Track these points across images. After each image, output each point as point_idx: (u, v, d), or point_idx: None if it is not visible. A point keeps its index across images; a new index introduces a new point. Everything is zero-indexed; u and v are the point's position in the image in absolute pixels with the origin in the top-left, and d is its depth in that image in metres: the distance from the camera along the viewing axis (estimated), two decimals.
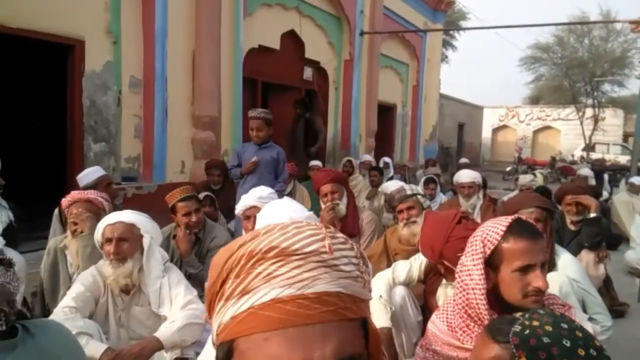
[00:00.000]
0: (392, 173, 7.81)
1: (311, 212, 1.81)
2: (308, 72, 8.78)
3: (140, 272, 2.24)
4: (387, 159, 8.26)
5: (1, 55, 5.33)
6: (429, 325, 1.77)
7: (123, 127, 5.48)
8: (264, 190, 3.04)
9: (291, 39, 8.18)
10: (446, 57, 22.05)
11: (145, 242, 2.25)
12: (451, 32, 21.25)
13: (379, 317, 2.18)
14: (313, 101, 8.87)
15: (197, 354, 2.20)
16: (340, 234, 0.61)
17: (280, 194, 3.66)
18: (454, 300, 1.69)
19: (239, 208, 3.04)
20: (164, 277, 2.26)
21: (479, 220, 3.94)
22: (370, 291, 0.61)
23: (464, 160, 10.27)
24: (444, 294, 2.25)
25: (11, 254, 2.24)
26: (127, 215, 2.27)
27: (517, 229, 1.52)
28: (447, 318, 1.70)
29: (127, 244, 2.21)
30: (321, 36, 9.04)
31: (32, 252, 3.82)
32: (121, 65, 5.39)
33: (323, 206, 3.38)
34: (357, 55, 9.83)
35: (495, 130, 31.11)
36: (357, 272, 0.59)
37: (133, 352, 2.01)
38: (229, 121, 6.89)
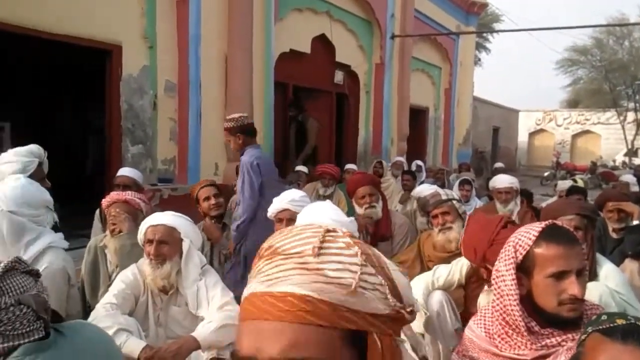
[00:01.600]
0: (424, 177, 7.70)
1: (352, 218, 1.76)
2: (339, 76, 8.78)
3: (178, 274, 2.26)
4: (419, 162, 8.15)
5: (47, 61, 5.53)
6: (466, 331, 1.73)
7: (159, 130, 5.60)
8: (295, 194, 3.04)
9: (322, 43, 8.20)
10: (479, 60, 21.70)
11: (185, 246, 2.27)
12: (484, 34, 20.90)
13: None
14: (302, 102, 8.08)
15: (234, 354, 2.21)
16: (344, 239, 0.61)
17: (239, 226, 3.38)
18: (492, 306, 1.65)
19: (271, 211, 3.05)
20: (201, 280, 2.28)
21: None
22: (391, 305, 0.60)
23: (499, 164, 10.04)
24: (486, 300, 2.18)
25: (48, 258, 2.30)
26: (169, 218, 2.30)
27: (550, 234, 1.48)
28: (485, 324, 1.66)
29: (167, 246, 2.24)
30: (352, 40, 9.03)
31: (73, 249, 3.93)
32: (157, 70, 5.52)
33: (357, 208, 3.35)
34: (388, 58, 9.77)
35: (532, 134, 30.36)
36: (352, 279, 0.57)
37: (171, 350, 2.03)
38: (260, 125, 6.93)
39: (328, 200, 2.23)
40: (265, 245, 0.62)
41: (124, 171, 3.86)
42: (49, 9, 4.46)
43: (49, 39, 4.52)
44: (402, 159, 8.20)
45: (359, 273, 0.58)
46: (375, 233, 3.35)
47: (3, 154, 2.75)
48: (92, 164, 7.94)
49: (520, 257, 1.50)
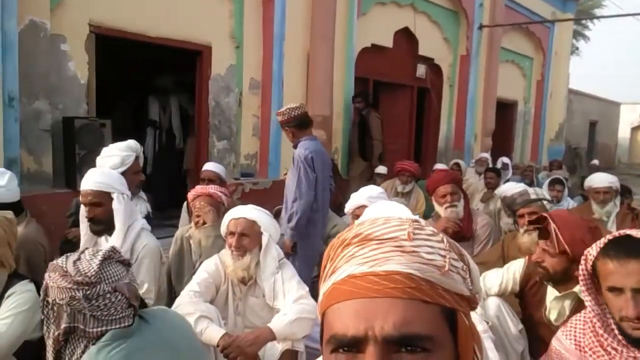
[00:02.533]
0: (510, 174, 7.31)
1: (416, 216, 1.72)
2: (421, 70, 8.57)
3: (257, 266, 2.36)
4: (505, 159, 7.75)
5: (143, 61, 5.98)
6: (554, 342, 1.64)
7: (243, 126, 5.84)
8: (373, 190, 3.02)
9: (404, 36, 8.04)
10: (577, 48, 20.10)
11: (264, 239, 2.36)
12: (583, 21, 19.30)
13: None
14: (369, 94, 7.29)
15: (308, 347, 2.26)
16: (429, 228, 0.66)
17: (298, 220, 3.31)
18: (584, 316, 1.56)
19: (349, 207, 3.06)
20: (278, 273, 2.36)
21: (613, 230, 3.52)
22: (469, 289, 0.64)
23: (595, 162, 9.28)
24: (558, 306, 2.10)
25: (145, 238, 2.50)
26: (251, 212, 2.40)
27: (611, 246, 1.43)
28: (575, 335, 1.57)
29: (247, 239, 2.34)
30: (436, 32, 8.76)
31: (162, 238, 4.24)
32: (242, 69, 5.75)
33: (438, 207, 3.26)
34: (474, 50, 9.36)
35: (635, 129, 27.58)
36: (443, 262, 0.62)
37: (248, 339, 2.12)
38: (340, 120, 7.00)
39: (395, 199, 2.20)
40: (351, 234, 0.65)
41: (209, 166, 4.08)
42: (147, 14, 4.81)
43: (145, 42, 4.87)
44: (487, 155, 7.84)
45: (447, 257, 0.62)
46: (456, 233, 3.25)
47: (105, 149, 3.01)
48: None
49: (590, 268, 1.48)
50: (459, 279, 0.63)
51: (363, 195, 2.92)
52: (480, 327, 2.12)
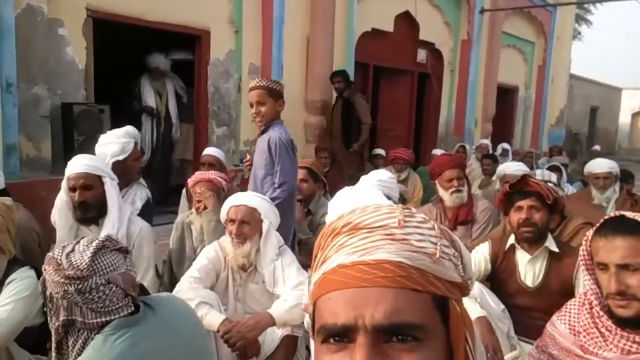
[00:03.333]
0: (510, 160, 7.29)
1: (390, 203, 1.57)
2: (422, 55, 8.49)
3: (257, 253, 2.38)
4: (505, 145, 7.74)
5: (140, 46, 5.91)
6: (548, 326, 1.66)
7: (242, 112, 5.80)
8: (384, 174, 2.95)
9: (405, 20, 7.95)
10: (579, 33, 19.89)
11: (265, 226, 2.37)
12: (586, 5, 19.07)
13: (470, 310, 2.07)
14: (347, 75, 6.34)
15: (307, 332, 2.28)
16: (420, 215, 0.66)
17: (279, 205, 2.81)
18: (579, 300, 1.57)
19: None
20: (278, 259, 2.37)
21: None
22: (461, 276, 0.64)
23: (596, 147, 9.26)
24: (532, 268, 2.27)
25: (139, 222, 2.52)
26: (251, 199, 2.41)
27: (605, 225, 1.46)
28: (569, 320, 1.58)
29: (247, 226, 2.35)
30: (437, 16, 8.66)
31: (163, 225, 4.25)
32: (242, 54, 5.70)
33: (442, 192, 3.24)
34: (475, 34, 9.27)
35: (636, 115, 27.46)
36: (434, 249, 0.61)
37: (248, 324, 2.14)
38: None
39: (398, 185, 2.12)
40: (341, 223, 0.65)
41: (209, 150, 4.08)
42: None
43: (143, 26, 4.82)
44: (487, 141, 7.83)
45: (439, 244, 0.62)
46: (456, 217, 3.26)
47: (102, 136, 3.00)
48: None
49: (589, 249, 1.50)
50: (450, 266, 0.63)
51: (373, 179, 2.86)
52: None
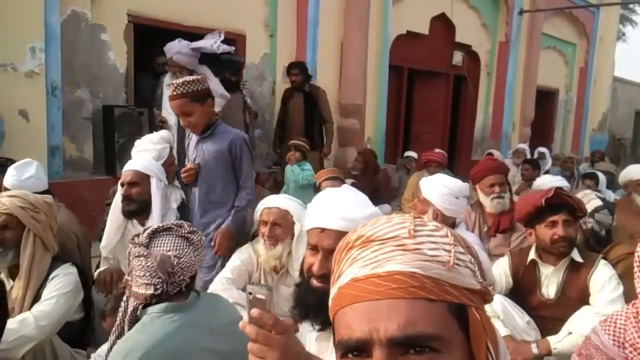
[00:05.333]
0: (549, 165, 7.07)
1: (376, 209, 1.31)
2: (457, 57, 8.36)
3: (289, 255, 2.38)
4: (542, 149, 7.50)
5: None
6: (592, 335, 1.59)
7: (275, 115, 5.86)
8: (451, 181, 2.64)
9: (441, 22, 7.86)
10: (623, 34, 19.15)
11: (297, 229, 2.37)
12: (630, 5, 18.33)
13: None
14: (305, 67, 5.49)
15: None
16: (432, 223, 0.65)
17: (243, 213, 2.69)
18: (625, 312, 1.50)
19: (438, 198, 2.94)
20: None
21: None
22: (480, 282, 0.63)
23: None
24: (555, 279, 2.23)
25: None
26: (283, 202, 2.42)
27: None
28: (614, 331, 1.51)
29: (280, 229, 2.36)
30: (474, 18, 8.51)
31: None
32: (276, 57, 5.76)
33: (483, 197, 3.16)
34: (514, 36, 9.05)
35: None
36: (448, 257, 0.60)
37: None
38: (373, 109, 6.93)
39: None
40: (354, 237, 0.65)
41: None
42: (183, 4, 4.87)
43: (181, 30, 4.93)
44: (525, 146, 7.62)
45: (452, 251, 0.61)
46: (496, 225, 3.18)
47: (138, 141, 3.06)
48: None
49: None
50: (467, 273, 0.62)
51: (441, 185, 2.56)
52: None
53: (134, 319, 1.48)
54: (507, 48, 9.03)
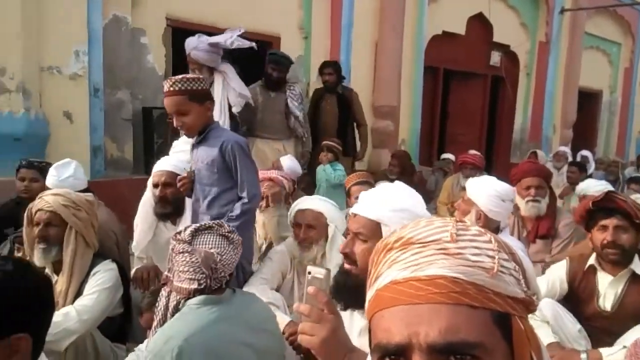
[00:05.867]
0: (592, 169, 6.81)
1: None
2: (495, 57, 8.17)
3: (323, 257, 2.37)
4: (585, 152, 7.25)
5: None
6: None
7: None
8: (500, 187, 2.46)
9: (478, 22, 7.69)
10: None
11: (330, 230, 2.36)
12: None
13: (541, 334, 1.93)
14: (340, 67, 5.25)
15: None
16: (475, 228, 0.63)
17: (240, 227, 2.20)
18: None
19: (483, 201, 2.90)
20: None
21: None
22: (524, 291, 0.61)
23: None
24: (613, 290, 2.11)
25: None
26: (317, 203, 2.42)
27: None
28: None
29: (314, 230, 2.35)
30: (513, 17, 8.30)
31: None
32: (310, 59, 5.77)
33: (519, 200, 3.07)
34: (554, 35, 8.78)
35: None
36: (492, 263, 0.59)
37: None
38: (408, 111, 6.85)
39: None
40: (393, 238, 0.64)
41: (284, 161, 4.11)
42: (219, 7, 4.95)
43: (217, 34, 4.99)
44: (565, 149, 7.36)
45: (496, 257, 0.59)
46: (535, 230, 3.08)
47: (175, 142, 3.12)
48: None
49: None
50: (511, 281, 0.60)
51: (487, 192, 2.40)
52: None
53: (176, 313, 1.53)
54: (547, 48, 8.76)
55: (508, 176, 3.27)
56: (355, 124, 5.33)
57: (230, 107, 3.72)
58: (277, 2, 5.41)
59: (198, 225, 1.61)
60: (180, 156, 3.01)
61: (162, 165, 2.62)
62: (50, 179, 2.64)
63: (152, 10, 4.54)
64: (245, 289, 2.31)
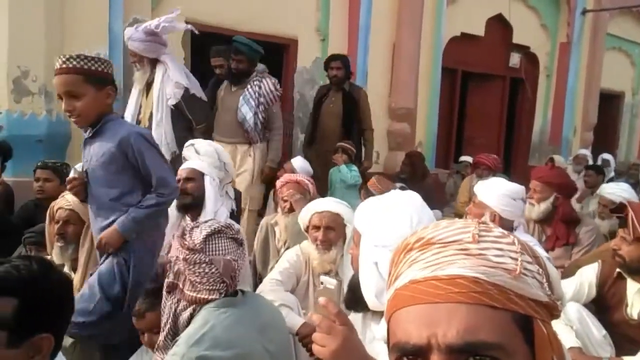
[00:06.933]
0: (612, 173, 6.67)
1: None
2: (515, 59, 8.06)
3: (341, 259, 2.36)
4: (606, 156, 7.10)
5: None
6: None
7: None
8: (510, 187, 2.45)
9: (498, 23, 7.60)
10: None
11: (348, 231, 2.36)
12: None
13: (564, 338, 1.89)
14: (348, 61, 4.85)
15: None
16: (498, 229, 0.62)
17: (147, 211, 2.05)
18: None
19: (494, 201, 2.90)
20: None
21: None
22: (548, 294, 0.60)
23: None
24: None
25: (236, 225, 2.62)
26: (333, 205, 2.42)
27: None
28: None
29: (333, 232, 2.35)
30: (533, 18, 8.18)
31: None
32: None
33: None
34: (576, 37, 8.62)
35: None
36: (514, 265, 0.58)
37: None
38: (425, 113, 6.81)
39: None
40: (414, 239, 0.63)
41: (296, 162, 4.13)
42: (238, 10, 4.99)
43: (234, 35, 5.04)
44: (585, 152, 7.23)
45: (519, 259, 0.59)
46: (555, 236, 3.03)
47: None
48: None
49: None
50: (534, 283, 0.59)
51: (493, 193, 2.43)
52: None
53: (190, 323, 1.50)
54: (568, 49, 8.61)
55: (526, 179, 3.24)
56: (359, 128, 4.76)
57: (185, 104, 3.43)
58: (295, 5, 5.43)
59: (207, 230, 1.52)
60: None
61: (185, 164, 2.73)
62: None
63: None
64: (258, 290, 2.32)
